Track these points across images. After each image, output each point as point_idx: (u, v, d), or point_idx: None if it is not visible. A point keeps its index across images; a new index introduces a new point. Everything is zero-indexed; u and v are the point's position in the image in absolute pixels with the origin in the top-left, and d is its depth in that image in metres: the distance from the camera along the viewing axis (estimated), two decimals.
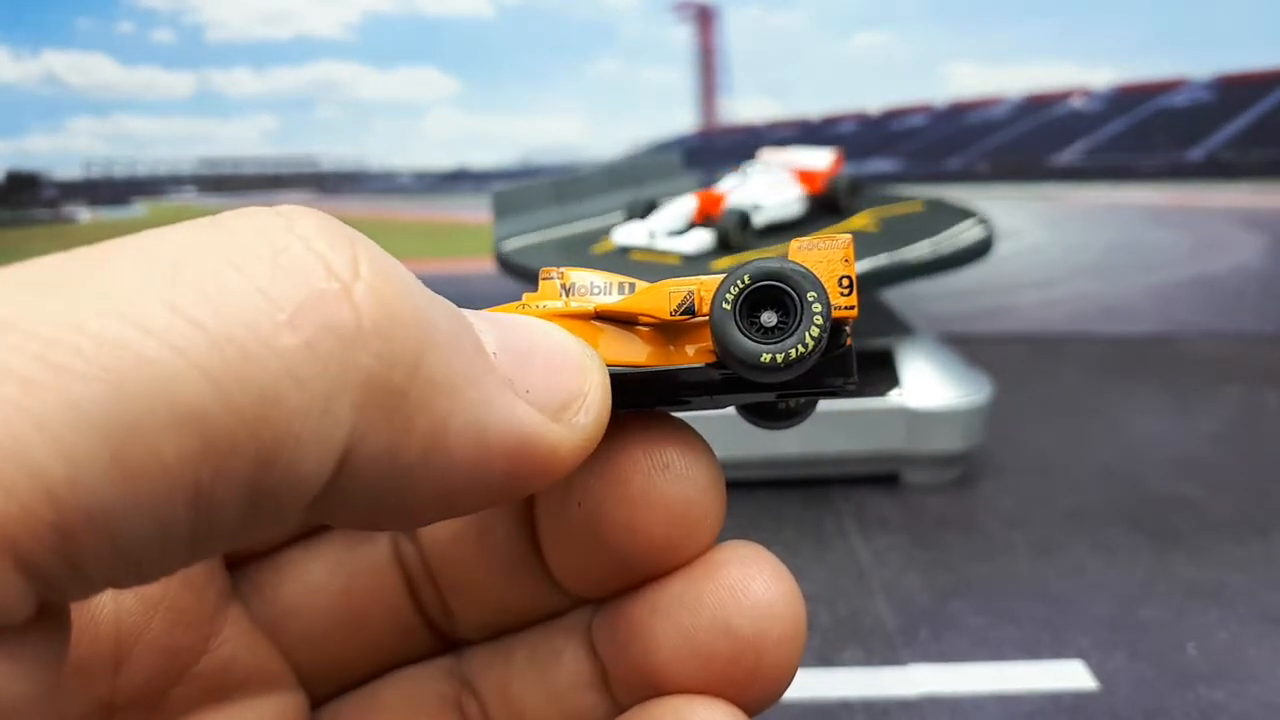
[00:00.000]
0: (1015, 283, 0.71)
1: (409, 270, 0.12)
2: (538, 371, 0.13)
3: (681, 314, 0.15)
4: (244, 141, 0.75)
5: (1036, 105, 0.74)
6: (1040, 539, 0.43)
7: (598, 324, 0.15)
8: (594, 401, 0.14)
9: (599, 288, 0.16)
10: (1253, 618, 0.37)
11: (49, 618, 0.10)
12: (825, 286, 0.14)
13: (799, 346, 0.14)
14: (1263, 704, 0.32)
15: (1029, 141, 0.75)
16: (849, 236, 0.15)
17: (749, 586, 0.16)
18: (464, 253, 0.80)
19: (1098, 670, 0.34)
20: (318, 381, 0.10)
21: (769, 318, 0.15)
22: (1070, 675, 0.34)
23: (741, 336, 0.14)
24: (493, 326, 0.13)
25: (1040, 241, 0.74)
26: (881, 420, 0.45)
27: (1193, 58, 0.71)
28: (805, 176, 0.52)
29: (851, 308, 0.15)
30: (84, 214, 0.78)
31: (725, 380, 0.15)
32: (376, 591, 0.18)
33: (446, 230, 0.79)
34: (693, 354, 0.15)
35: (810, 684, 0.34)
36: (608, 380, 0.14)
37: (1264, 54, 0.70)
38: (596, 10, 0.72)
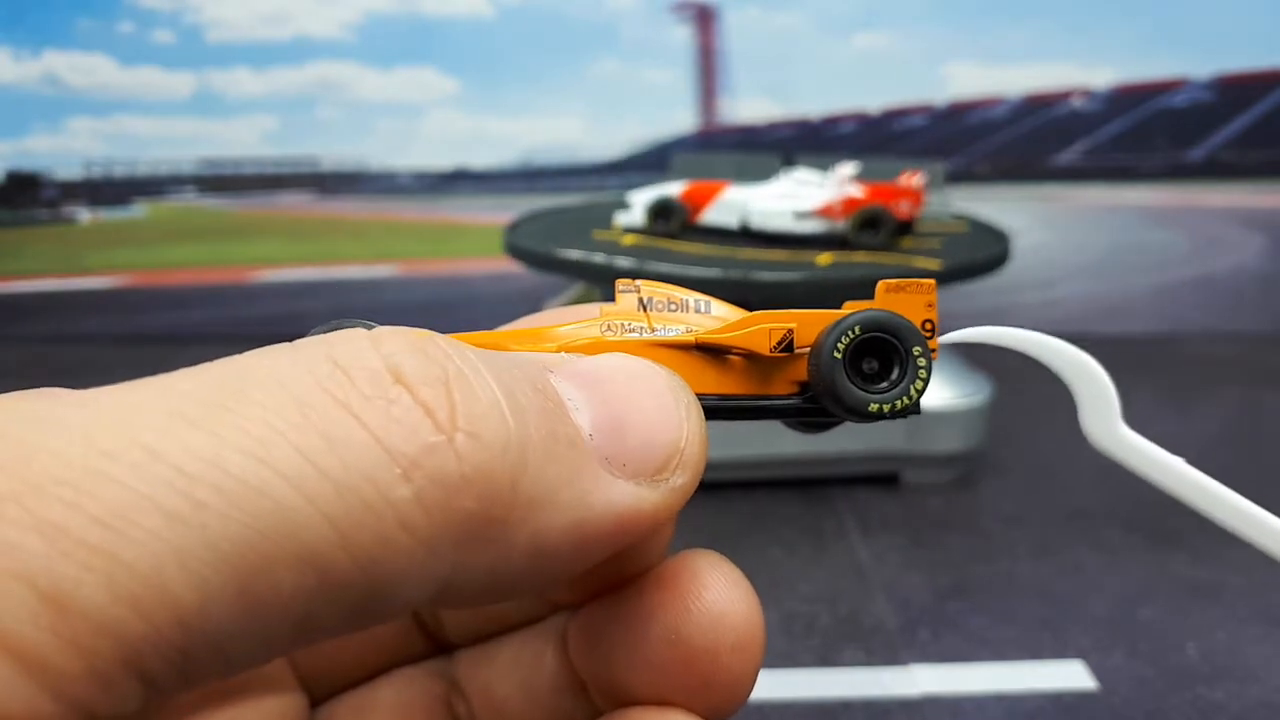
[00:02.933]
0: (1015, 283, 0.71)
1: (492, 360, 0.13)
2: (633, 440, 0.13)
3: (781, 351, 0.15)
4: (244, 141, 0.75)
5: (1036, 105, 0.74)
6: (1040, 539, 0.43)
7: (693, 354, 0.15)
8: (690, 455, 0.14)
9: (675, 305, 0.16)
10: (1253, 618, 0.37)
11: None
12: (927, 342, 0.15)
13: (904, 399, 0.15)
14: (1263, 704, 0.32)
15: (1029, 141, 0.75)
16: (932, 281, 0.15)
17: (701, 596, 0.16)
18: (464, 253, 0.80)
19: (1098, 670, 0.34)
20: (425, 528, 0.11)
21: (870, 365, 0.15)
22: (1070, 675, 0.34)
23: (852, 386, 0.15)
24: (586, 395, 0.13)
25: (1040, 241, 0.74)
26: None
27: (1193, 58, 0.71)
28: (871, 195, 0.49)
29: (933, 351, 0.15)
30: (84, 214, 0.78)
31: (806, 408, 0.16)
32: None
33: (446, 230, 0.79)
34: (780, 384, 0.16)
35: (810, 684, 0.34)
36: (704, 424, 0.14)
37: (1264, 54, 0.70)
38: (596, 10, 0.72)
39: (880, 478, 0.48)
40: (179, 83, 0.73)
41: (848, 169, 0.51)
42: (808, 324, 0.15)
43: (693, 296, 0.16)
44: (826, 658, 0.35)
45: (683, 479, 0.14)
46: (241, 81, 0.73)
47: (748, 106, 0.74)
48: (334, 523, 0.10)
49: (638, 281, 0.16)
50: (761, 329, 0.15)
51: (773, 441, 0.45)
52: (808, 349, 0.15)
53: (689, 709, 0.16)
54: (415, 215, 0.79)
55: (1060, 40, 0.71)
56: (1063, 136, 0.74)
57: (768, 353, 0.15)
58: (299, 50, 0.72)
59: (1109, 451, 0.16)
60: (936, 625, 0.37)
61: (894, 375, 0.15)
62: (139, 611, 0.09)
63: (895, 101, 0.74)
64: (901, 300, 0.15)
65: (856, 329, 0.15)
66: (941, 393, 0.46)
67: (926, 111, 0.74)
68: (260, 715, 0.17)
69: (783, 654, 0.35)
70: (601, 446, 0.13)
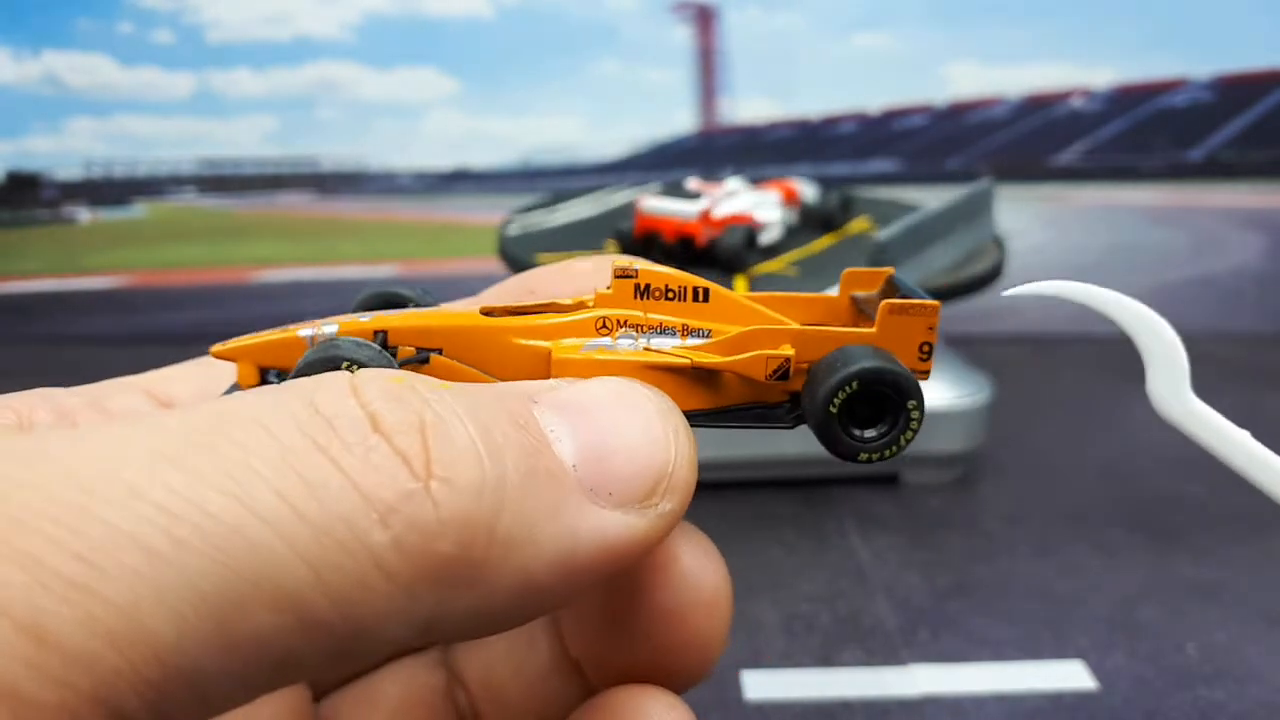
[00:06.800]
0: (1016, 283, 0.71)
1: (463, 395, 0.13)
2: (618, 468, 0.13)
3: (777, 379, 0.15)
4: (244, 141, 0.75)
5: (1036, 105, 0.74)
6: (1040, 539, 0.43)
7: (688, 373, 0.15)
8: (678, 480, 0.14)
9: (674, 292, 0.16)
10: (1253, 618, 0.37)
11: None
12: (922, 393, 0.15)
13: (893, 448, 0.15)
14: (1263, 704, 0.32)
15: (1029, 141, 0.75)
16: (937, 304, 0.15)
17: (676, 563, 0.17)
18: (463, 253, 0.80)
19: (1098, 670, 0.34)
20: (404, 572, 0.11)
21: (864, 408, 0.15)
22: (1070, 675, 0.34)
23: (845, 438, 0.15)
24: (570, 425, 0.13)
25: (1040, 241, 0.74)
26: None
27: (1193, 58, 0.71)
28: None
29: (927, 372, 0.16)
30: (84, 214, 0.78)
31: (794, 425, 0.16)
32: None
33: (446, 230, 0.79)
34: (773, 392, 0.16)
35: (810, 684, 0.34)
36: (693, 447, 0.14)
37: (1264, 54, 0.70)
38: (596, 10, 0.72)
39: (880, 478, 0.48)
40: (179, 83, 0.73)
41: (731, 183, 0.51)
42: (808, 345, 0.15)
43: (691, 284, 0.16)
44: (826, 658, 0.35)
45: (671, 504, 0.14)
46: (241, 81, 0.73)
47: (748, 106, 0.74)
48: (312, 565, 0.10)
49: (636, 266, 0.16)
50: (759, 356, 0.15)
51: (773, 441, 0.45)
52: (806, 365, 0.15)
53: (666, 669, 0.17)
54: (415, 215, 0.79)
55: (1060, 40, 0.71)
56: (1063, 136, 0.74)
57: (763, 379, 0.15)
58: (299, 50, 0.72)
59: (1173, 418, 0.16)
60: (936, 625, 0.37)
61: (885, 425, 0.15)
62: (115, 647, 0.09)
63: (895, 101, 0.74)
64: (903, 323, 0.15)
65: (854, 384, 0.15)
66: (941, 393, 0.46)
67: (926, 111, 0.74)
68: (270, 711, 0.17)
69: (783, 654, 0.35)
70: (586, 477, 0.13)
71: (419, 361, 0.16)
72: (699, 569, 0.17)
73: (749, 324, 0.16)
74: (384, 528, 0.11)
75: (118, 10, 0.71)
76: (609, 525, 0.13)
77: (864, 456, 0.15)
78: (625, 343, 0.15)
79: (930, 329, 0.15)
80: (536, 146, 0.76)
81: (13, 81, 0.72)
